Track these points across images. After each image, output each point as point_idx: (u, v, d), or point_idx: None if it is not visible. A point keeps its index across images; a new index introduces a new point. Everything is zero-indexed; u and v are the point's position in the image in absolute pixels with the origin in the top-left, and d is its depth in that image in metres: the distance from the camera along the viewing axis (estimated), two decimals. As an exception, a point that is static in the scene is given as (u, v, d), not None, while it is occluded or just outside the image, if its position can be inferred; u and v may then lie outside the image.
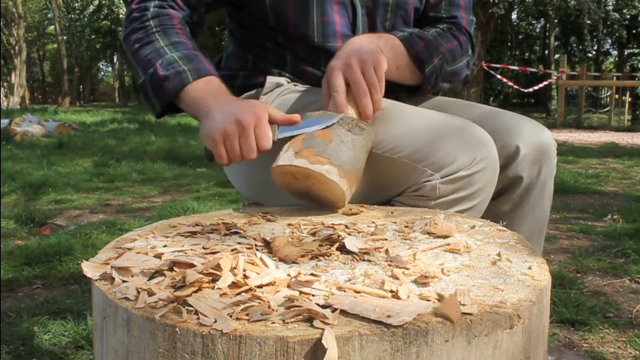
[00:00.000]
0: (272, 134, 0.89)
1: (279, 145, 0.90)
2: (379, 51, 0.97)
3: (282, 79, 1.13)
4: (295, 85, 1.13)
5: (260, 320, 0.47)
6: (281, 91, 1.11)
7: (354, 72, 0.93)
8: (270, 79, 1.13)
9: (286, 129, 0.90)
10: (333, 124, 0.88)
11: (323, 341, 0.44)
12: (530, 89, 12.64)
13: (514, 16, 21.80)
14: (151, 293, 0.53)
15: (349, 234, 0.72)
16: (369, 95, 0.94)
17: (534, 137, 1.06)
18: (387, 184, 0.97)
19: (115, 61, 33.64)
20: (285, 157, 0.85)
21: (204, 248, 0.66)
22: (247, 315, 0.48)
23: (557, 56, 20.00)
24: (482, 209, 0.98)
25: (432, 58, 1.07)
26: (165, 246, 0.68)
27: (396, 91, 1.07)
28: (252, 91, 1.15)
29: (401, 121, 0.97)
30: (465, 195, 0.92)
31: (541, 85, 12.98)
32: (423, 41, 1.06)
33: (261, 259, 0.60)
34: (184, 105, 0.99)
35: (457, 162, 0.90)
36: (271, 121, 0.89)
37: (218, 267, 0.56)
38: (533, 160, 1.06)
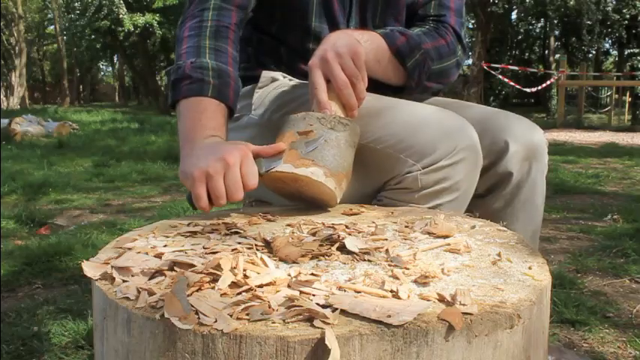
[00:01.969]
0: (259, 169, 0.84)
1: None
2: (355, 41, 0.95)
3: (278, 74, 1.14)
4: (290, 80, 1.13)
5: (260, 320, 0.47)
6: (276, 85, 1.12)
7: (332, 66, 0.92)
8: (266, 74, 1.13)
9: (272, 160, 0.86)
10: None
11: (326, 342, 0.44)
12: (533, 89, 12.64)
13: (514, 16, 21.81)
14: (151, 293, 0.53)
15: (349, 234, 0.72)
16: (350, 87, 0.92)
17: (524, 134, 1.07)
18: (371, 174, 0.97)
19: (115, 61, 33.62)
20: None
21: (204, 248, 0.66)
22: (248, 315, 0.48)
23: (557, 56, 20.00)
24: (465, 203, 0.98)
25: (414, 53, 1.05)
26: (165, 246, 0.68)
27: (382, 89, 1.07)
28: (249, 87, 1.15)
29: (387, 112, 0.97)
30: (447, 186, 0.93)
31: (544, 85, 12.98)
32: (404, 37, 1.05)
33: (261, 259, 0.60)
34: (181, 115, 0.92)
35: (438, 151, 0.90)
36: (256, 156, 0.85)
37: (218, 267, 0.56)
38: (523, 157, 1.07)
